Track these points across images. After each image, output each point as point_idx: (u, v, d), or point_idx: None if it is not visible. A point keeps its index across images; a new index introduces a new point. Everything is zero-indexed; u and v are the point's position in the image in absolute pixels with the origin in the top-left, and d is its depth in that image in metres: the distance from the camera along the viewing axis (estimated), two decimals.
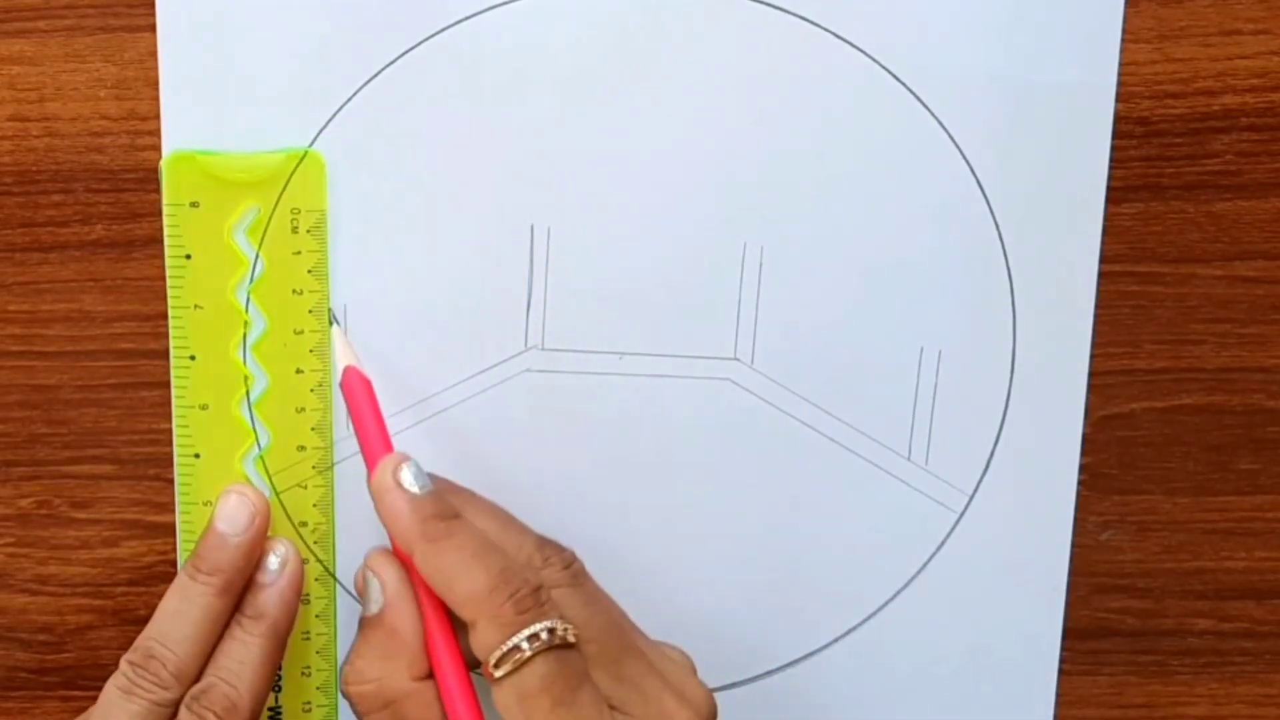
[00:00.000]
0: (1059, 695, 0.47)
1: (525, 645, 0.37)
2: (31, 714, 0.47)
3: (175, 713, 0.41)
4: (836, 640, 0.47)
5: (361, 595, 0.41)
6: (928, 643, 0.46)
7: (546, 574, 0.40)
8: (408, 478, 0.40)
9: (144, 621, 0.46)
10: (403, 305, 0.44)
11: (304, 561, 0.44)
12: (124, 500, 0.46)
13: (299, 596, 0.43)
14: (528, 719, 0.37)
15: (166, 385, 0.45)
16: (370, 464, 0.41)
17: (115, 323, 0.45)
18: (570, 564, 0.41)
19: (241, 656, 0.42)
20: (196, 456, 0.45)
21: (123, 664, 0.41)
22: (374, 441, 0.41)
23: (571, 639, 0.38)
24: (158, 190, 0.43)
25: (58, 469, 0.46)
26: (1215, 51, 0.43)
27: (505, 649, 0.38)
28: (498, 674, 0.38)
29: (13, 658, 0.47)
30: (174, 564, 0.46)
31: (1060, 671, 0.47)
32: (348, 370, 0.43)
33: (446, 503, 0.41)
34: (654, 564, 0.46)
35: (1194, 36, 0.43)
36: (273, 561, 0.43)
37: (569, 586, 0.41)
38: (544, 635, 0.38)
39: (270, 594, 0.42)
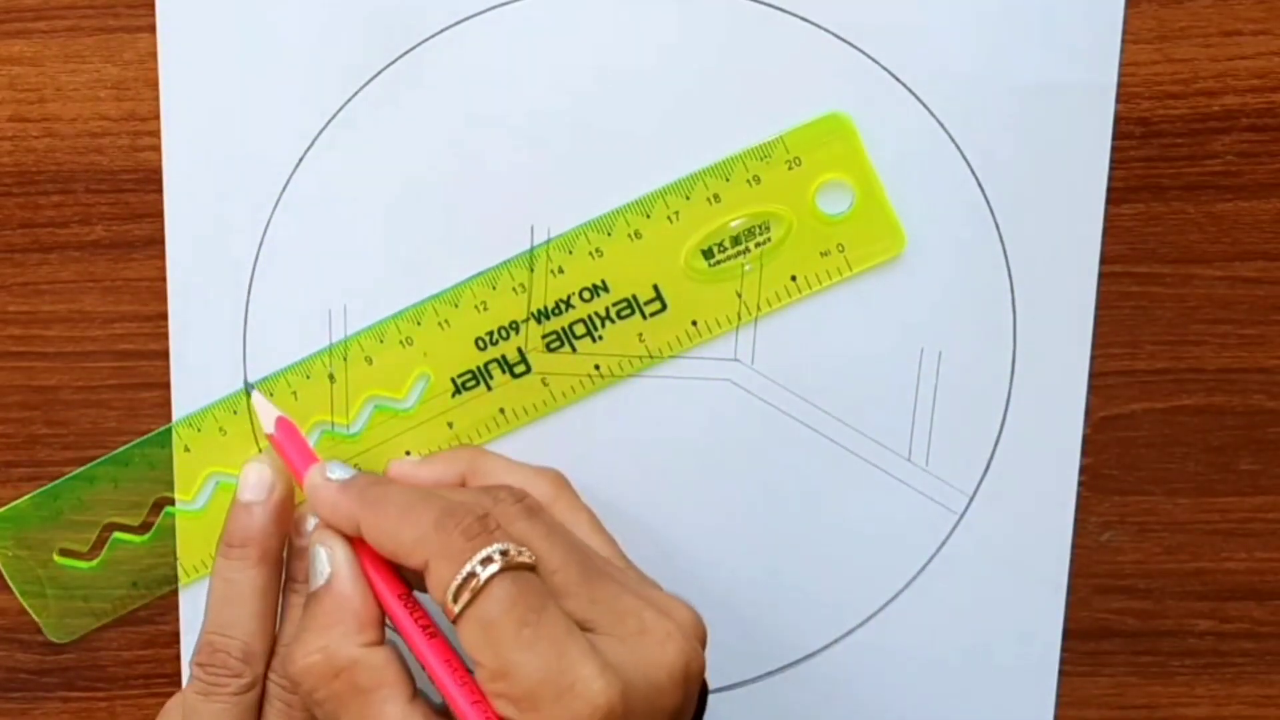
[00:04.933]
0: (1059, 696, 0.47)
1: (479, 569, 0.35)
2: (31, 714, 0.47)
3: (264, 691, 0.41)
4: (836, 640, 0.46)
5: (309, 574, 0.40)
6: (928, 643, 0.46)
7: (499, 510, 0.38)
8: (335, 472, 0.40)
9: (143, 622, 0.46)
10: (403, 306, 0.44)
11: None
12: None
13: None
14: (494, 648, 0.35)
15: (166, 385, 0.45)
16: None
17: (115, 323, 0.45)
18: (523, 498, 0.40)
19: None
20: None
21: (194, 669, 0.41)
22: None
23: (528, 560, 0.36)
24: (158, 190, 0.43)
25: (58, 469, 0.45)
26: (1215, 52, 0.43)
27: (460, 579, 0.35)
28: (457, 608, 0.35)
29: (13, 658, 0.47)
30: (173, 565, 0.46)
31: (1060, 672, 0.47)
32: (280, 421, 0.42)
33: (376, 475, 0.41)
34: (653, 564, 0.46)
35: (1194, 37, 0.43)
36: (310, 523, 0.41)
37: (525, 520, 0.39)
38: (497, 557, 0.36)
39: None
